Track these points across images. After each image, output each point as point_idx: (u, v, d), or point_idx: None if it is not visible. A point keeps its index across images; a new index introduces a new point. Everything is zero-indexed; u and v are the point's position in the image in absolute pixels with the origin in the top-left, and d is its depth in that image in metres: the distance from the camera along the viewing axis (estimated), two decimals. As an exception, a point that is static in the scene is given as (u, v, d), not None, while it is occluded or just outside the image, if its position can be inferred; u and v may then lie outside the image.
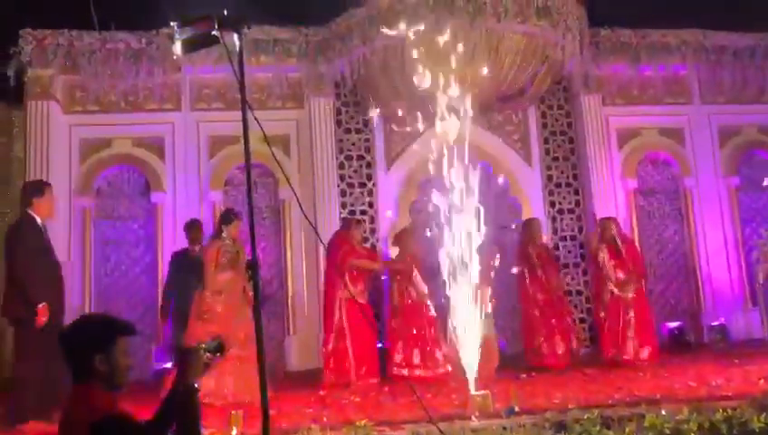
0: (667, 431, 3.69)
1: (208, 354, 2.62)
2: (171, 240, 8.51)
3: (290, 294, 8.76)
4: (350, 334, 6.80)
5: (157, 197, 8.81)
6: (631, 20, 9.62)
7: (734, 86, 10.04)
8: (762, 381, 5.22)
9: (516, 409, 4.35)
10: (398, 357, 6.99)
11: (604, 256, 7.58)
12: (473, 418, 4.22)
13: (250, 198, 2.65)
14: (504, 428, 3.90)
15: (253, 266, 2.78)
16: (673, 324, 9.02)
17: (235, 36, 2.80)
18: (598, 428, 3.74)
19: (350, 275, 6.97)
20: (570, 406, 4.44)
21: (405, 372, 6.89)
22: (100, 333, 2.48)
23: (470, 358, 4.78)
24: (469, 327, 4.80)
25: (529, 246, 7.74)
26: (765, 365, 6.21)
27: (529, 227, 8.01)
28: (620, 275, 7.51)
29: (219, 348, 2.69)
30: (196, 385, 2.54)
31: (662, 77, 9.88)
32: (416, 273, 7.21)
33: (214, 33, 2.80)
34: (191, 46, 2.89)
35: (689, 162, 9.93)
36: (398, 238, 7.67)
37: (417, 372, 6.90)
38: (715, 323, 9.03)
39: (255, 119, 2.75)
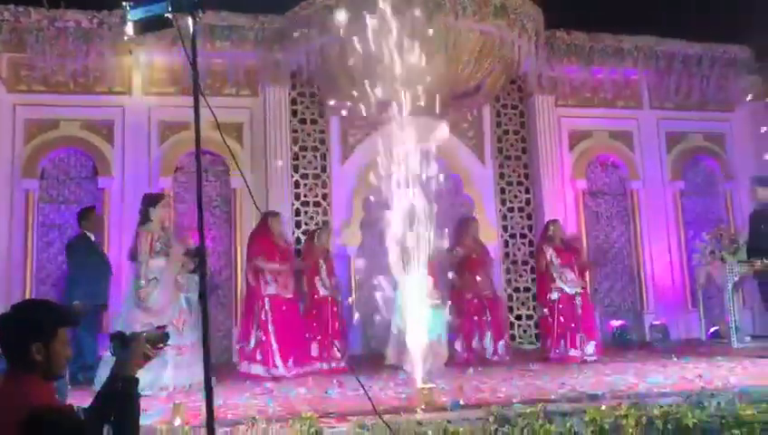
0: (606, 426, 3.79)
1: (148, 345, 2.55)
2: (118, 226, 8.32)
3: (239, 284, 8.67)
4: (274, 328, 6.77)
5: (104, 181, 8.60)
6: (586, 23, 9.79)
7: (680, 93, 10.32)
8: (698, 377, 5.40)
9: (462, 402, 4.40)
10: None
11: (552, 255, 7.76)
12: (418, 411, 4.24)
13: (199, 185, 2.61)
14: (449, 421, 3.93)
15: (200, 254, 2.73)
16: (616, 323, 9.25)
17: (189, 20, 2.74)
18: (540, 422, 3.80)
19: (269, 272, 6.95)
20: (514, 401, 4.52)
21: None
22: (40, 322, 2.39)
23: (418, 352, 4.80)
24: (417, 321, 4.83)
25: (459, 246, 7.85)
26: (702, 363, 6.44)
27: (459, 226, 8.08)
28: (568, 273, 7.71)
29: (163, 338, 2.63)
30: (136, 375, 2.48)
31: (614, 81, 10.10)
32: (323, 268, 7.49)
33: (167, 15, 2.74)
34: (143, 28, 2.82)
35: (637, 166, 10.19)
36: (309, 237, 7.89)
37: (319, 365, 7.11)
38: (657, 323, 9.28)
39: (208, 105, 2.69)
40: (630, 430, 3.72)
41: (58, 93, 8.56)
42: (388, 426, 3.23)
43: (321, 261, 7.57)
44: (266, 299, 6.84)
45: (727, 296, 8.26)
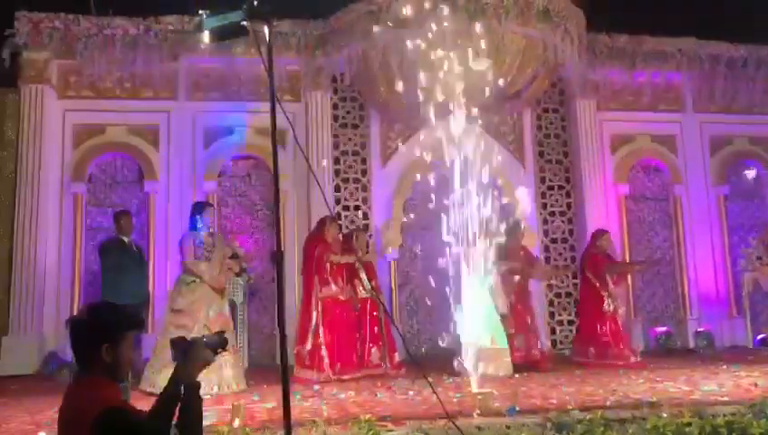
0: (669, 434, 3.74)
1: (209, 350, 2.58)
2: (164, 229, 8.47)
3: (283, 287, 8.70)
4: (326, 332, 6.80)
5: (150, 185, 8.75)
6: (628, 26, 9.69)
7: (725, 96, 10.16)
8: (754, 386, 5.31)
9: (517, 408, 4.38)
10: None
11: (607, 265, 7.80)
12: (475, 416, 4.23)
13: (277, 188, 2.64)
14: (508, 426, 3.92)
15: (277, 258, 2.76)
16: (660, 329, 9.14)
17: (265, 27, 2.78)
18: (602, 429, 3.77)
19: (329, 273, 6.98)
20: (569, 407, 4.48)
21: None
22: (110, 325, 2.45)
23: (477, 357, 4.80)
24: (478, 324, 4.82)
25: (517, 249, 7.79)
26: (754, 371, 6.32)
27: (516, 230, 8.01)
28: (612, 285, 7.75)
29: (221, 343, 2.66)
30: (197, 379, 2.52)
31: (656, 84, 9.98)
32: (362, 270, 7.38)
33: (243, 23, 2.78)
34: (219, 36, 2.86)
35: (680, 170, 10.05)
36: (347, 238, 7.74)
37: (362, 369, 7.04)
38: (701, 330, 9.13)
39: (284, 112, 2.73)
40: (694, 439, 3.67)
41: (105, 99, 8.75)
42: (460, 430, 3.22)
43: (359, 264, 7.57)
44: (319, 302, 6.88)
45: (776, 303, 8.11)
